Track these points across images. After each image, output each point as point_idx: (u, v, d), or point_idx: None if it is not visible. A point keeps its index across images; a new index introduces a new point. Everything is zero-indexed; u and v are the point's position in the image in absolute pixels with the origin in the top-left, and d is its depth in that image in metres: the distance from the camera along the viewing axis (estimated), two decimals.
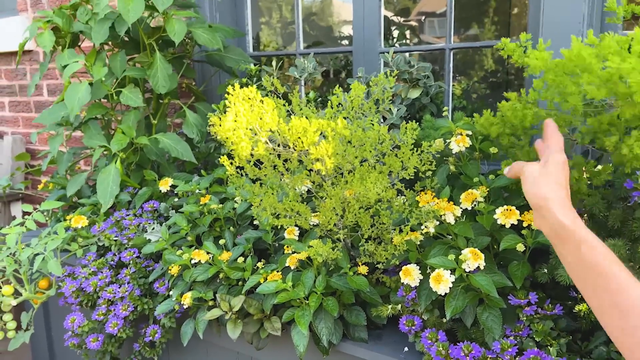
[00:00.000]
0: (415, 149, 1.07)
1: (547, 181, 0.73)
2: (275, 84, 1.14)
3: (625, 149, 0.78)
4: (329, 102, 1.11)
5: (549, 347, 0.94)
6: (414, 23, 2.58)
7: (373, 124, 1.05)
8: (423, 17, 2.59)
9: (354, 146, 1.06)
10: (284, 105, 1.13)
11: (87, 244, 1.52)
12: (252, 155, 1.03)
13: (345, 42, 1.79)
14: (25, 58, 2.70)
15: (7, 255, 1.43)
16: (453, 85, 2.10)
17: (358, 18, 1.76)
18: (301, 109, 1.15)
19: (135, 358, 1.50)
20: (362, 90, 1.09)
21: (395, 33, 2.54)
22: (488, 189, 1.11)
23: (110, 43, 1.71)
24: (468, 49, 1.84)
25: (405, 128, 1.05)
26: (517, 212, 1.01)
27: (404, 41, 2.50)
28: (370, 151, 1.05)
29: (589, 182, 0.96)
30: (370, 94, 1.13)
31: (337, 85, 1.19)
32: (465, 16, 2.39)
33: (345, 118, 1.09)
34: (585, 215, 0.97)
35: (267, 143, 1.03)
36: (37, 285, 1.51)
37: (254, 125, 0.99)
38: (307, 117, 1.06)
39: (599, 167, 0.97)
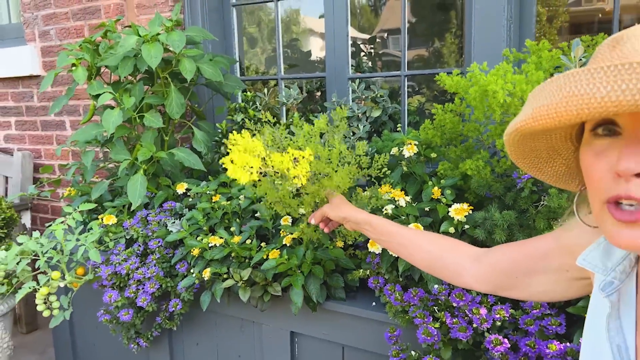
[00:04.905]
0: (374, 156, 1.48)
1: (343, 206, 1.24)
2: (268, 117, 1.52)
3: (500, 145, 1.23)
4: (303, 127, 1.50)
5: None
6: (380, 41, 3.03)
7: (335, 146, 1.45)
8: (386, 34, 3.03)
9: (322, 161, 1.45)
10: (272, 126, 1.51)
11: (117, 238, 1.87)
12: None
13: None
14: (33, 82, 3.01)
15: (52, 248, 1.77)
16: (409, 103, 2.52)
17: (330, 49, 2.18)
18: (282, 141, 1.54)
19: (155, 330, 1.85)
20: (325, 121, 1.48)
21: (364, 58, 2.98)
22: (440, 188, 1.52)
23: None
24: (421, 75, 2.27)
25: (358, 146, 1.46)
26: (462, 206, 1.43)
27: (371, 65, 2.94)
28: (336, 164, 1.45)
29: (494, 173, 1.40)
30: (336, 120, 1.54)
31: (310, 112, 1.57)
32: (422, 41, 2.85)
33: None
34: (494, 198, 1.40)
35: (259, 170, 1.41)
36: (75, 272, 1.84)
37: (247, 164, 1.38)
38: (284, 148, 1.44)
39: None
